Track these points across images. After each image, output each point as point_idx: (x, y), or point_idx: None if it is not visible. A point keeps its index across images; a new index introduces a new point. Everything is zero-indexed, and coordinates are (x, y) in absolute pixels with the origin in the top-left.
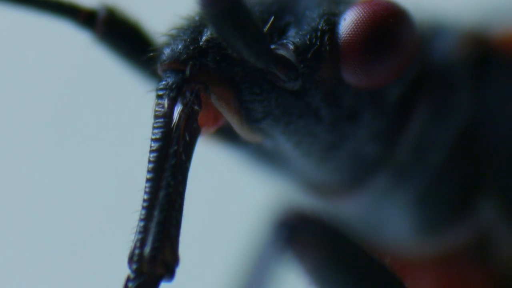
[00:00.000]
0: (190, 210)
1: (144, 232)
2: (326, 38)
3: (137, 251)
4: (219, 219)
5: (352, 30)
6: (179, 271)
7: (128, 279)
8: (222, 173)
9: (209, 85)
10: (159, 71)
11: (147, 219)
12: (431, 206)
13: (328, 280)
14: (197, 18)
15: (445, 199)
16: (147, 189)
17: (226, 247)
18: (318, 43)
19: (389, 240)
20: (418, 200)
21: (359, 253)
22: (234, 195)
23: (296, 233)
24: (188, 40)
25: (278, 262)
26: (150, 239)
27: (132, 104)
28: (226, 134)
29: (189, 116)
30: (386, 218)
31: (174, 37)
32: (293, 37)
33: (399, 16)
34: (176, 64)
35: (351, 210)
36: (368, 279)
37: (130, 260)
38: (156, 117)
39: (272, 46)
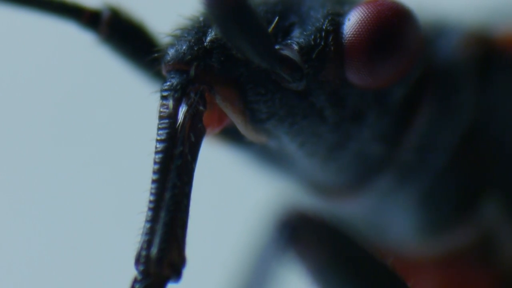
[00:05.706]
0: (193, 210)
1: (150, 233)
2: (330, 38)
3: (143, 253)
4: (221, 218)
5: (356, 30)
6: (185, 271)
7: (135, 281)
8: (225, 173)
9: (214, 85)
10: (164, 72)
11: (153, 220)
12: (435, 206)
13: (330, 280)
14: (201, 18)
15: (449, 200)
16: (153, 190)
17: (228, 246)
18: (322, 43)
19: (392, 240)
20: (422, 200)
21: (361, 253)
22: (237, 195)
23: (298, 233)
24: (193, 40)
25: (280, 262)
26: (156, 241)
27: (137, 105)
28: (231, 135)
29: (194, 116)
30: (389, 219)
31: (178, 38)
32: (297, 37)
33: (404, 16)
34: (181, 65)
35: (355, 210)
36: (370, 279)
37: (137, 261)
38: (161, 118)
39: (277, 47)
